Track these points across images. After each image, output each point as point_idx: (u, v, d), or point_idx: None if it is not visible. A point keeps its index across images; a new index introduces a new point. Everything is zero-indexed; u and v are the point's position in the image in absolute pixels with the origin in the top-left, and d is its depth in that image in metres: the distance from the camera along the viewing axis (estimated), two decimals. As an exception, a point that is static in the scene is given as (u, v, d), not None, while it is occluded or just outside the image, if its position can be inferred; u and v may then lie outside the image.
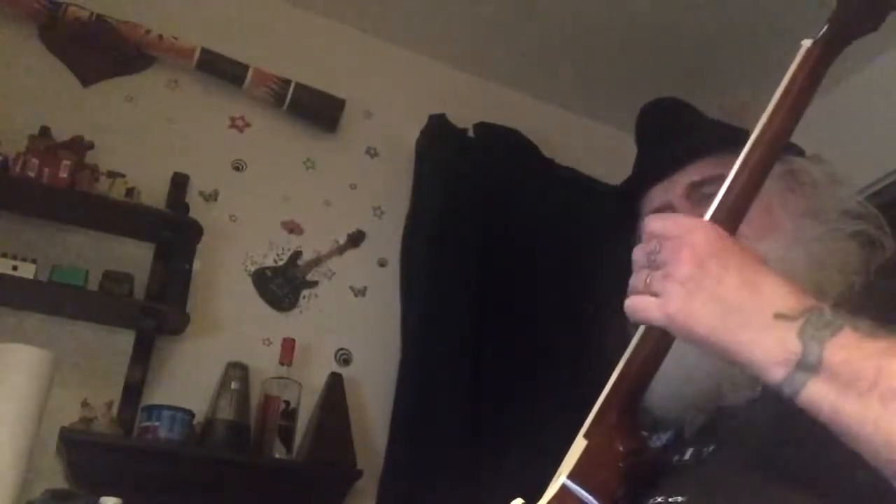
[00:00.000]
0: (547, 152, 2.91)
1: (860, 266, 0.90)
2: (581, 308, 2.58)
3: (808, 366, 0.63)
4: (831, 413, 0.63)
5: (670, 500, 0.78)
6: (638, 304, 0.72)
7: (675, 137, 1.07)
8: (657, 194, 1.05)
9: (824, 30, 0.79)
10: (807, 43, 0.79)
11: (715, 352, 0.69)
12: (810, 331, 0.64)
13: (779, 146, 0.78)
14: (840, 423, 0.63)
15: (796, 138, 1.08)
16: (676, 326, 0.70)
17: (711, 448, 0.84)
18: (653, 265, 0.72)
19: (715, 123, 1.09)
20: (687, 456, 0.86)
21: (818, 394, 0.63)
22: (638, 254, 0.74)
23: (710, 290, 0.68)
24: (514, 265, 2.66)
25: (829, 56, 0.79)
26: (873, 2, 0.77)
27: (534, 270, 2.67)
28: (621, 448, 0.74)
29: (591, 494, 0.72)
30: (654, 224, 0.74)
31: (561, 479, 0.75)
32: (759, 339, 0.66)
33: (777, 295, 0.67)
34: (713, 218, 0.75)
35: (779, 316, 0.65)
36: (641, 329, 0.78)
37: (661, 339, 0.76)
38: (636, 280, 0.74)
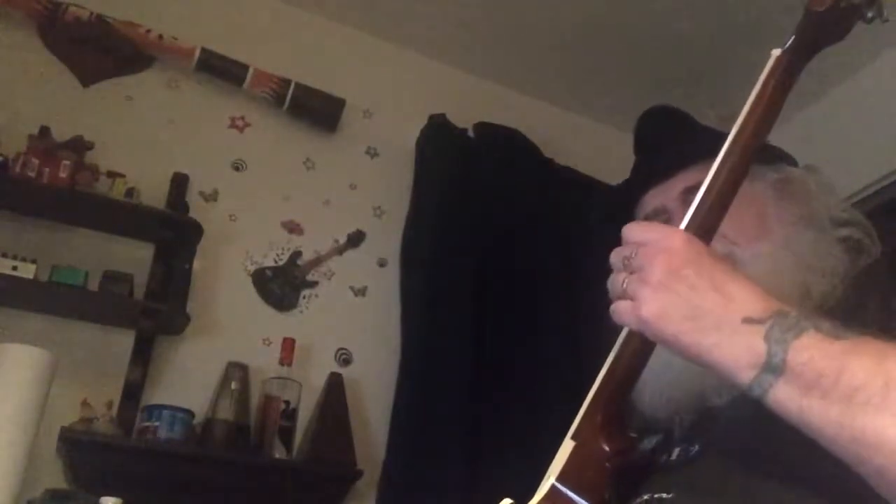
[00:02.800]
0: (547, 152, 2.91)
1: (845, 271, 0.92)
2: (581, 308, 2.59)
3: (772, 368, 0.65)
4: (798, 414, 0.65)
5: (656, 496, 0.79)
6: (615, 307, 0.75)
7: (671, 144, 1.09)
8: (652, 198, 1.07)
9: (791, 39, 0.81)
10: (776, 52, 0.81)
11: (685, 355, 0.71)
12: (776, 334, 0.66)
13: (750, 154, 0.79)
14: (808, 424, 0.64)
15: (794, 141, 1.10)
16: (648, 329, 0.72)
17: (697, 448, 0.85)
18: (629, 269, 0.74)
19: (709, 130, 1.10)
20: (674, 456, 0.87)
21: (784, 395, 0.65)
22: (614, 257, 0.77)
23: (683, 295, 0.70)
24: (514, 265, 2.66)
25: (797, 65, 0.81)
26: (838, 13, 0.78)
27: (533, 270, 2.67)
28: (608, 448, 0.75)
29: (579, 495, 0.73)
30: (632, 230, 0.76)
31: (550, 480, 0.76)
32: (728, 343, 0.68)
33: (747, 300, 0.69)
34: (688, 228, 0.77)
35: (747, 320, 0.67)
36: (626, 329, 0.78)
37: (644, 340, 0.77)
38: (612, 283, 0.76)
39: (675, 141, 1.09)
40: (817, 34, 0.80)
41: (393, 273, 2.67)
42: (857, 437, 0.61)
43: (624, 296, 0.74)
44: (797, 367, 0.64)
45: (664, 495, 0.79)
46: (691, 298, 0.69)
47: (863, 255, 0.94)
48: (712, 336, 0.68)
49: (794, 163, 1.06)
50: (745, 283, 0.70)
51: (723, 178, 0.78)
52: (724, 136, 1.05)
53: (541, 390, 2.49)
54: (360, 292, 2.63)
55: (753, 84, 0.82)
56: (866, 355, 0.63)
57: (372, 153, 2.79)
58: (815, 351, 0.64)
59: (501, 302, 2.61)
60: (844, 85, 2.56)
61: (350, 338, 2.55)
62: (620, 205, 1.11)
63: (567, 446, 0.77)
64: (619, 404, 0.78)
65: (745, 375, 0.67)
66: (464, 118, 2.80)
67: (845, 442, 0.62)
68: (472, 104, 2.86)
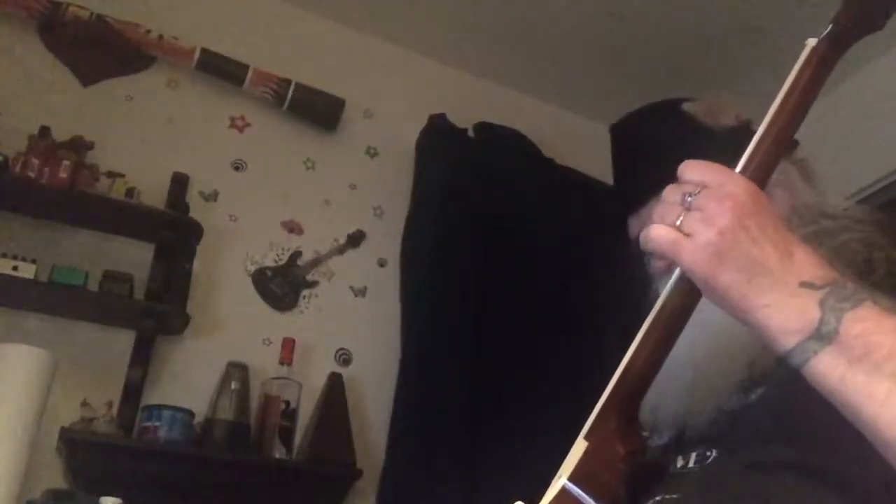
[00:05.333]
0: (547, 152, 2.91)
1: (858, 266, 0.87)
2: (581, 307, 2.59)
3: (821, 335, 0.63)
4: (837, 386, 0.62)
5: (667, 497, 0.78)
6: (666, 238, 0.70)
7: (645, 161, 1.03)
8: (637, 224, 1.02)
9: (829, 28, 0.78)
10: (811, 41, 0.78)
11: (731, 308, 0.68)
12: (831, 301, 0.64)
13: (781, 150, 0.77)
14: (846, 398, 0.62)
15: (798, 138, 1.07)
16: (701, 272, 0.68)
17: (714, 453, 0.83)
18: (688, 206, 0.70)
19: (688, 131, 1.04)
20: (691, 462, 0.85)
21: (827, 366, 0.63)
22: (672, 190, 0.72)
23: (745, 247, 0.67)
24: (514, 265, 2.66)
25: (833, 55, 0.78)
26: (878, 1, 0.77)
27: (533, 270, 2.67)
28: (622, 449, 0.73)
29: (591, 496, 0.72)
30: (693, 169, 0.71)
31: (561, 480, 0.74)
32: (781, 305, 0.65)
33: (806, 264, 0.66)
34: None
35: (804, 284, 0.65)
36: (643, 329, 0.77)
37: (663, 339, 0.76)
38: (665, 213, 0.71)
39: (650, 158, 1.02)
40: (856, 23, 0.78)
41: (393, 273, 2.67)
42: None
43: (676, 229, 0.69)
44: (849, 338, 0.62)
45: (675, 495, 0.78)
46: (751, 252, 0.66)
47: (873, 251, 0.90)
48: (766, 295, 0.66)
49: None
50: (806, 247, 0.68)
51: (748, 176, 0.74)
52: (709, 132, 1.02)
53: (541, 390, 2.49)
54: (360, 292, 2.63)
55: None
56: None
57: (372, 153, 2.79)
58: (870, 324, 0.62)
59: (501, 301, 2.61)
60: (845, 84, 2.55)
61: (350, 338, 2.55)
62: (618, 214, 1.07)
63: (579, 446, 0.76)
64: (633, 405, 0.77)
65: (789, 340, 0.64)
66: (464, 118, 2.80)
67: (886, 421, 0.60)
68: (472, 104, 2.86)
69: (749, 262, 0.67)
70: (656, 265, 0.94)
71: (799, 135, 0.85)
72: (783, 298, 0.65)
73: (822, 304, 0.64)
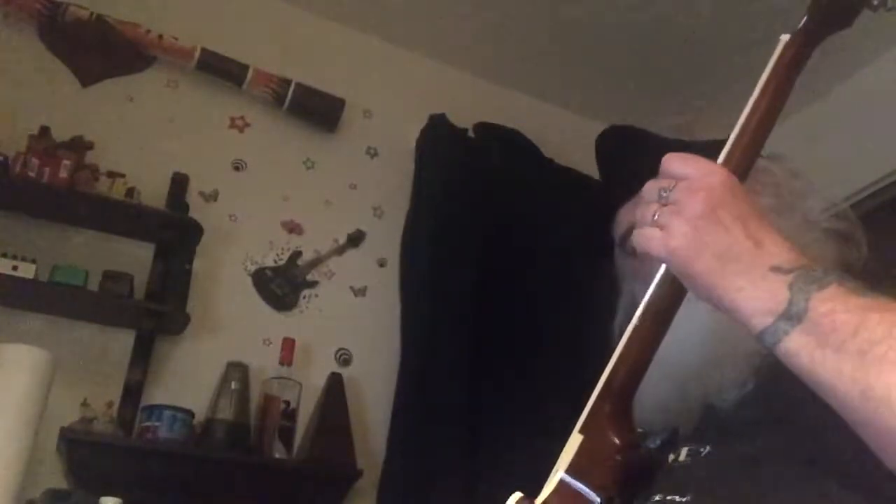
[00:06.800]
0: (547, 152, 2.90)
1: (833, 263, 0.90)
2: (580, 307, 2.59)
3: (791, 316, 0.65)
4: (809, 365, 0.64)
5: (668, 497, 0.78)
6: (641, 235, 0.74)
7: (632, 160, 1.06)
8: (623, 216, 1.05)
9: (801, 24, 0.81)
10: (784, 37, 0.81)
11: (705, 294, 0.71)
12: (799, 284, 0.66)
13: (758, 146, 0.79)
14: (818, 377, 0.64)
15: (794, 140, 1.08)
16: (675, 261, 0.71)
17: (707, 448, 0.84)
18: (663, 201, 0.73)
19: (669, 142, 1.10)
20: (682, 456, 0.86)
21: (797, 345, 0.65)
22: (650, 187, 0.75)
23: (716, 235, 0.69)
24: (514, 264, 2.66)
25: (806, 50, 0.81)
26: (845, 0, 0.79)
27: (533, 270, 2.67)
28: (617, 441, 0.74)
29: (588, 488, 0.73)
30: (672, 162, 0.75)
31: (559, 473, 0.75)
32: (752, 288, 0.68)
33: (776, 250, 0.69)
34: None
35: (774, 269, 0.68)
36: (633, 322, 0.78)
37: (652, 332, 0.77)
38: (643, 212, 0.74)
39: (635, 156, 1.06)
40: (825, 19, 0.81)
41: (393, 273, 2.67)
42: (868, 393, 0.60)
43: (653, 226, 0.73)
44: (816, 317, 0.64)
45: (677, 497, 0.78)
46: (723, 240, 0.69)
47: (850, 248, 0.93)
48: (738, 280, 0.68)
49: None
50: (777, 234, 0.70)
51: (735, 159, 0.77)
52: (684, 145, 1.05)
53: (541, 390, 2.48)
54: (360, 292, 2.63)
55: (750, 81, 0.81)
56: (888, 312, 0.62)
57: (372, 153, 2.79)
58: (836, 303, 0.64)
59: (501, 302, 2.61)
60: (845, 84, 2.56)
61: (350, 338, 2.55)
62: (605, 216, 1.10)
63: (575, 439, 0.76)
64: (626, 397, 0.78)
65: (761, 322, 0.67)
66: (464, 118, 2.80)
67: (855, 398, 0.61)
68: (472, 104, 2.86)
69: (720, 250, 0.69)
70: (635, 262, 0.97)
71: (800, 135, 0.86)
72: (754, 282, 0.68)
73: (791, 286, 0.66)
